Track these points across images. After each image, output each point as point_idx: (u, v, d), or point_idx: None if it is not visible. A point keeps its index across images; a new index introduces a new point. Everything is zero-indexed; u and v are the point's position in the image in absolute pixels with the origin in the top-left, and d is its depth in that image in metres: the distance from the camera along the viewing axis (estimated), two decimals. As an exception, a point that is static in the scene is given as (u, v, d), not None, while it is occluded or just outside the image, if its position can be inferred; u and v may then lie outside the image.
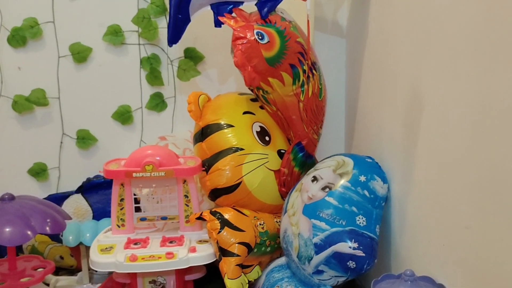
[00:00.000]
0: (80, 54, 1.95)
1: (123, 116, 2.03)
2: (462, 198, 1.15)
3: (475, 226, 1.10)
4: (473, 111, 1.09)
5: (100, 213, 1.89)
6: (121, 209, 1.63)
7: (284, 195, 1.71)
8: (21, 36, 1.91)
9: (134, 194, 1.67)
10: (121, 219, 1.64)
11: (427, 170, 1.32)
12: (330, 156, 1.62)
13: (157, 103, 2.04)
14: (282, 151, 1.74)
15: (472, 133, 1.10)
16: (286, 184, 1.71)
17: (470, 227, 1.12)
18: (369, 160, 1.57)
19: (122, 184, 1.62)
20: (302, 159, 1.72)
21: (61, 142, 2.01)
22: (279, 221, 1.67)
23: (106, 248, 1.59)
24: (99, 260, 1.54)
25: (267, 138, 1.71)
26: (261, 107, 1.76)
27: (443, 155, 1.23)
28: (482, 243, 1.08)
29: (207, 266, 1.67)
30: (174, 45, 1.75)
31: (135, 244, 1.59)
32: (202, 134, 1.68)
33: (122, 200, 1.63)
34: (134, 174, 1.56)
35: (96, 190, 1.94)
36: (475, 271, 1.11)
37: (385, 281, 1.30)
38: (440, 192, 1.24)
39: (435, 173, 1.27)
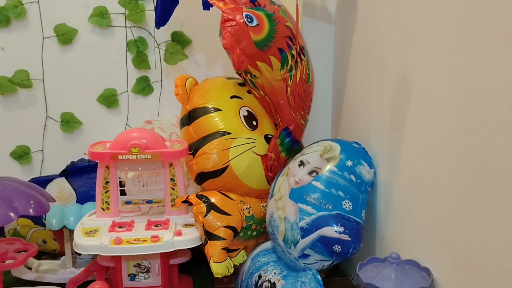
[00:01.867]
0: (65, 35, 1.92)
1: (109, 99, 2.00)
2: (448, 182, 1.16)
3: (461, 209, 1.11)
4: (461, 96, 1.10)
5: (84, 197, 1.87)
6: (106, 192, 1.62)
7: (270, 180, 1.71)
8: (5, 16, 1.87)
9: (119, 178, 1.65)
10: (106, 202, 1.62)
11: (413, 155, 1.32)
12: (317, 141, 1.62)
13: (143, 87, 2.01)
14: (269, 136, 1.73)
15: (459, 119, 1.11)
16: (273, 169, 1.70)
17: (456, 211, 1.13)
18: (356, 145, 1.57)
19: (107, 167, 1.60)
20: (289, 144, 1.72)
21: (45, 125, 1.98)
22: (265, 206, 1.67)
23: (90, 231, 1.57)
24: (83, 243, 1.52)
25: (254, 123, 1.71)
26: (249, 92, 1.75)
27: (430, 140, 1.23)
28: (468, 226, 1.09)
29: (192, 251, 1.67)
30: (161, 28, 1.73)
31: (120, 227, 1.58)
32: (189, 117, 1.67)
33: (107, 183, 1.61)
34: (119, 157, 1.55)
35: (80, 173, 1.92)
36: (460, 254, 1.12)
37: (371, 264, 1.30)
38: (426, 177, 1.25)
39: (421, 158, 1.28)
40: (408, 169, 1.36)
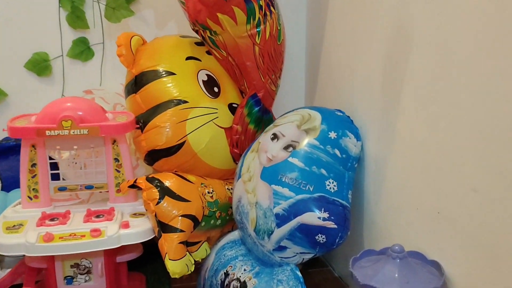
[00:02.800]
0: (-19, -14, 1.57)
1: (39, 65, 1.68)
2: (466, 154, 0.91)
3: (485, 188, 0.87)
4: (475, 52, 0.85)
5: (11, 182, 1.56)
6: (33, 177, 1.30)
7: (236, 157, 1.43)
8: None
9: (51, 159, 1.34)
10: (33, 189, 1.31)
11: (413, 122, 1.07)
12: (293, 110, 1.35)
13: (82, 50, 1.69)
14: (234, 105, 1.45)
15: (469, 76, 0.86)
16: (239, 144, 1.43)
17: (479, 190, 0.88)
18: (339, 113, 1.31)
19: (33, 146, 1.28)
20: (258, 114, 1.45)
21: (-39, 97, 1.64)
22: (232, 189, 1.39)
23: (13, 226, 1.26)
24: (3, 241, 1.21)
25: (215, 89, 1.42)
26: (208, 53, 1.46)
27: (438, 102, 0.98)
28: (494, 210, 0.85)
29: (144, 244, 1.38)
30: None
31: (52, 220, 1.27)
32: (136, 84, 1.36)
33: (33, 165, 1.30)
34: (47, 132, 1.23)
35: (6, 155, 1.60)
36: (479, 243, 0.89)
37: (366, 258, 1.06)
38: (433, 150, 1.00)
39: (426, 125, 1.02)
40: (406, 140, 1.11)
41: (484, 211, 0.87)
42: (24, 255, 1.31)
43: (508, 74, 0.80)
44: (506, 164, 0.81)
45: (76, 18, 1.65)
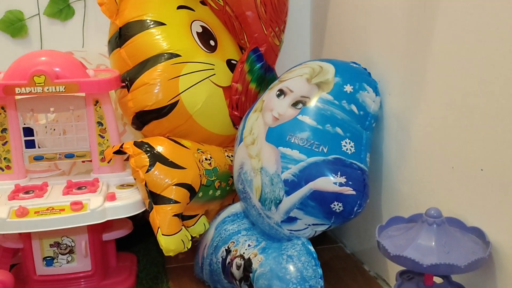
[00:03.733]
0: None
1: (13, 25, 1.51)
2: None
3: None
4: None
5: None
6: (4, 144, 1.14)
7: (237, 121, 1.26)
8: None
9: (26, 124, 1.17)
10: (5, 158, 1.15)
11: (448, 67, 0.90)
12: (300, 64, 1.18)
13: (61, 8, 1.53)
14: (233, 61, 1.28)
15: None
16: (240, 105, 1.26)
17: (539, 137, 0.72)
18: (354, 65, 1.15)
19: (2, 108, 1.11)
20: (260, 71, 1.28)
21: None
22: (232, 156, 1.23)
23: (-18, 200, 1.10)
24: (-30, 217, 1.04)
25: (212, 43, 1.25)
26: (203, 3, 1.30)
27: (474, 41, 0.82)
28: None
29: (134, 221, 1.22)
30: None
31: (26, 193, 1.11)
32: (120, 36, 1.20)
33: (4, 130, 1.13)
34: (17, 90, 1.06)
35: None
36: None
37: (393, 226, 0.90)
38: (475, 95, 0.84)
39: (461, 69, 0.86)
40: (438, 89, 0.94)
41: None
42: (-3, 234, 1.16)
43: None
44: None
45: (53, -30, 1.47)
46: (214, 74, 1.22)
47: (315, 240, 1.35)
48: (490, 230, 0.83)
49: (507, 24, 0.75)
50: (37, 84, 1.06)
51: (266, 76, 1.30)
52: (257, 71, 1.27)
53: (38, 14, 1.52)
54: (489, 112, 0.81)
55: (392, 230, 0.88)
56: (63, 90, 1.08)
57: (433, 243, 0.80)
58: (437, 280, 0.88)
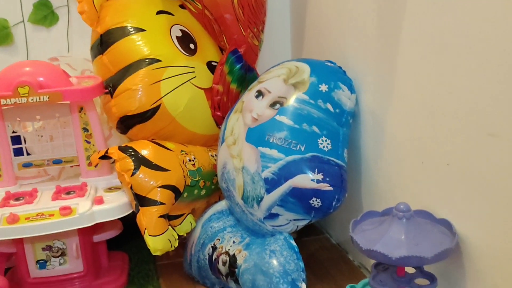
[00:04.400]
0: None
1: (-1, 33, 1.52)
2: (482, 94, 0.78)
3: (506, 131, 0.74)
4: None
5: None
6: (-7, 153, 1.17)
7: (219, 121, 1.30)
8: None
9: (15, 132, 1.20)
10: (-6, 166, 1.18)
11: (417, 65, 0.94)
12: (278, 64, 1.22)
13: (45, 14, 1.54)
14: (213, 63, 1.31)
15: (487, 7, 0.73)
16: (222, 106, 1.29)
17: (497, 134, 0.76)
18: (330, 64, 1.18)
19: (-11, 118, 1.15)
20: (240, 72, 1.31)
21: None
22: (216, 155, 1.26)
23: (-26, 208, 1.13)
24: (-38, 225, 1.08)
25: (191, 46, 1.28)
26: (182, 6, 1.32)
27: (441, 42, 0.85)
28: (516, 155, 0.73)
29: (124, 221, 1.26)
30: None
31: (17, 199, 1.15)
32: (102, 43, 1.23)
33: (-8, 140, 1.16)
34: (2, 101, 1.09)
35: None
36: (500, 197, 0.77)
37: (367, 220, 0.94)
38: (442, 92, 0.88)
39: (430, 68, 0.90)
40: (409, 87, 0.98)
41: (504, 158, 0.75)
42: (-9, 240, 1.19)
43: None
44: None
45: (35, -22, 1.49)
46: (195, 77, 1.25)
47: (302, 232, 1.40)
48: (457, 222, 0.87)
49: (473, 25, 0.79)
50: (21, 95, 1.09)
51: (246, 76, 1.33)
52: (237, 72, 1.30)
53: (23, 21, 1.53)
54: (454, 111, 0.85)
55: (366, 224, 0.92)
56: (47, 100, 1.11)
57: (403, 237, 0.84)
58: (410, 270, 0.92)
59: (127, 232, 1.31)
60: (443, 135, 0.88)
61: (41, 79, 1.12)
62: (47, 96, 1.10)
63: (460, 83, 0.83)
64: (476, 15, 0.77)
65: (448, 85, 0.86)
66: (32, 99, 1.10)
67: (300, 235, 1.36)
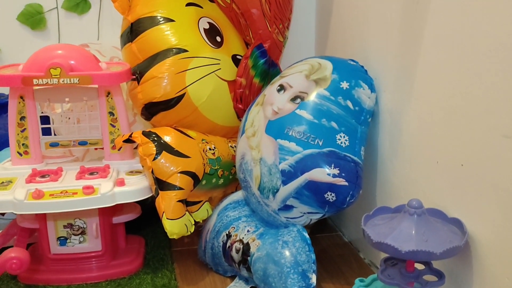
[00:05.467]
0: None
1: (33, 18, 1.59)
2: (497, 97, 0.80)
3: (520, 133, 0.76)
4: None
5: (5, 141, 1.46)
6: (23, 131, 1.22)
7: (240, 113, 1.33)
8: None
9: (44, 112, 1.25)
10: (23, 144, 1.23)
11: (436, 68, 0.96)
12: (301, 60, 1.24)
13: (78, 2, 1.61)
14: (238, 56, 1.35)
15: (497, 16, 0.75)
16: (244, 99, 1.33)
17: (511, 137, 0.78)
18: (352, 63, 1.20)
19: (21, 97, 1.20)
20: (263, 67, 1.34)
21: (-48, 52, 1.56)
22: (235, 146, 1.29)
23: (2, 183, 1.19)
24: (-9, 198, 1.13)
25: (218, 39, 1.31)
26: (211, 0, 1.35)
27: (459, 45, 0.87)
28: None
29: (143, 205, 1.30)
30: None
31: (42, 176, 1.19)
32: (132, 32, 1.27)
33: (22, 118, 1.21)
34: (34, 81, 1.14)
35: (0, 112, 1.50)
36: (510, 201, 0.78)
37: (379, 216, 0.96)
38: (458, 94, 0.89)
39: (448, 70, 0.91)
40: (427, 88, 1.00)
41: (517, 160, 0.77)
42: (16, 215, 1.24)
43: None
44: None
45: (71, -34, 1.55)
46: (220, 69, 1.28)
47: (316, 228, 1.43)
48: (468, 221, 0.88)
49: (491, 29, 0.80)
50: (53, 76, 1.14)
51: (269, 71, 1.36)
52: (260, 66, 1.33)
53: (57, 7, 1.59)
54: (470, 113, 0.87)
55: (378, 220, 0.94)
56: (77, 82, 1.15)
57: (413, 232, 0.86)
58: (419, 266, 0.94)
59: (145, 217, 1.35)
60: (458, 136, 0.90)
61: (72, 62, 1.17)
62: (78, 79, 1.15)
63: (475, 85, 0.85)
64: (494, 19, 0.79)
65: (464, 87, 0.87)
66: (63, 81, 1.14)
67: (313, 232, 1.38)
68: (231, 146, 1.32)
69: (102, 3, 1.61)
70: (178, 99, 1.23)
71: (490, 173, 0.83)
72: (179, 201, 1.16)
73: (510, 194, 0.79)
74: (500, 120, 0.80)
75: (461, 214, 0.90)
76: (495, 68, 0.80)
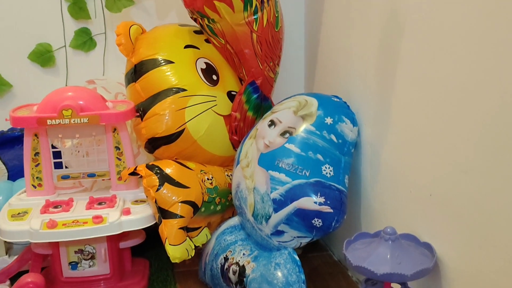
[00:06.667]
0: (-17, -21, 1.59)
1: (43, 56, 1.70)
2: (457, 136, 0.92)
3: (476, 169, 0.88)
4: (466, 33, 0.85)
5: (18, 171, 1.58)
6: (37, 166, 1.33)
7: (236, 144, 1.45)
8: None
9: (55, 147, 1.37)
10: (37, 177, 1.34)
11: (408, 106, 1.08)
12: (290, 97, 1.36)
13: (84, 40, 1.71)
14: (232, 92, 1.46)
15: (466, 59, 0.87)
16: (238, 131, 1.44)
17: (469, 172, 0.89)
18: (335, 99, 1.32)
19: (35, 135, 1.31)
20: (256, 101, 1.46)
21: (-33, 89, 1.67)
22: (231, 175, 1.41)
23: (18, 214, 1.30)
24: (8, 228, 1.24)
25: (214, 77, 1.43)
26: (207, 41, 1.48)
27: (431, 87, 0.99)
28: (485, 191, 0.86)
29: (147, 230, 1.41)
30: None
31: (55, 207, 1.30)
32: (135, 72, 1.38)
33: (37, 154, 1.33)
34: (48, 121, 1.26)
35: (12, 144, 1.62)
36: (473, 225, 0.90)
37: (360, 241, 1.07)
38: (427, 133, 1.01)
39: (419, 110, 1.03)
40: (401, 124, 1.12)
41: (474, 192, 0.88)
42: (30, 242, 1.35)
43: (503, 58, 0.80)
44: (495, 146, 0.82)
45: (78, 9, 1.67)
46: (216, 105, 1.40)
47: (308, 248, 1.54)
48: (438, 246, 0.99)
49: (459, 71, 0.92)
50: (65, 117, 1.26)
51: (262, 105, 1.48)
52: (253, 101, 1.45)
53: (65, 46, 1.71)
54: (436, 149, 0.98)
55: (358, 244, 1.06)
56: (87, 121, 1.27)
57: (388, 256, 0.97)
58: (396, 286, 1.05)
59: (149, 241, 1.45)
60: (427, 169, 1.02)
61: (81, 102, 1.29)
62: (87, 119, 1.27)
63: (440, 125, 0.96)
64: (463, 62, 0.91)
65: (432, 125, 0.99)
66: (74, 121, 1.26)
67: (305, 251, 1.50)
68: (227, 175, 1.44)
69: (107, 41, 1.72)
70: (179, 134, 1.35)
71: (454, 203, 0.94)
72: (180, 228, 1.27)
73: (471, 222, 0.90)
74: (459, 157, 0.91)
75: (431, 239, 1.02)
76: (454, 110, 0.92)
